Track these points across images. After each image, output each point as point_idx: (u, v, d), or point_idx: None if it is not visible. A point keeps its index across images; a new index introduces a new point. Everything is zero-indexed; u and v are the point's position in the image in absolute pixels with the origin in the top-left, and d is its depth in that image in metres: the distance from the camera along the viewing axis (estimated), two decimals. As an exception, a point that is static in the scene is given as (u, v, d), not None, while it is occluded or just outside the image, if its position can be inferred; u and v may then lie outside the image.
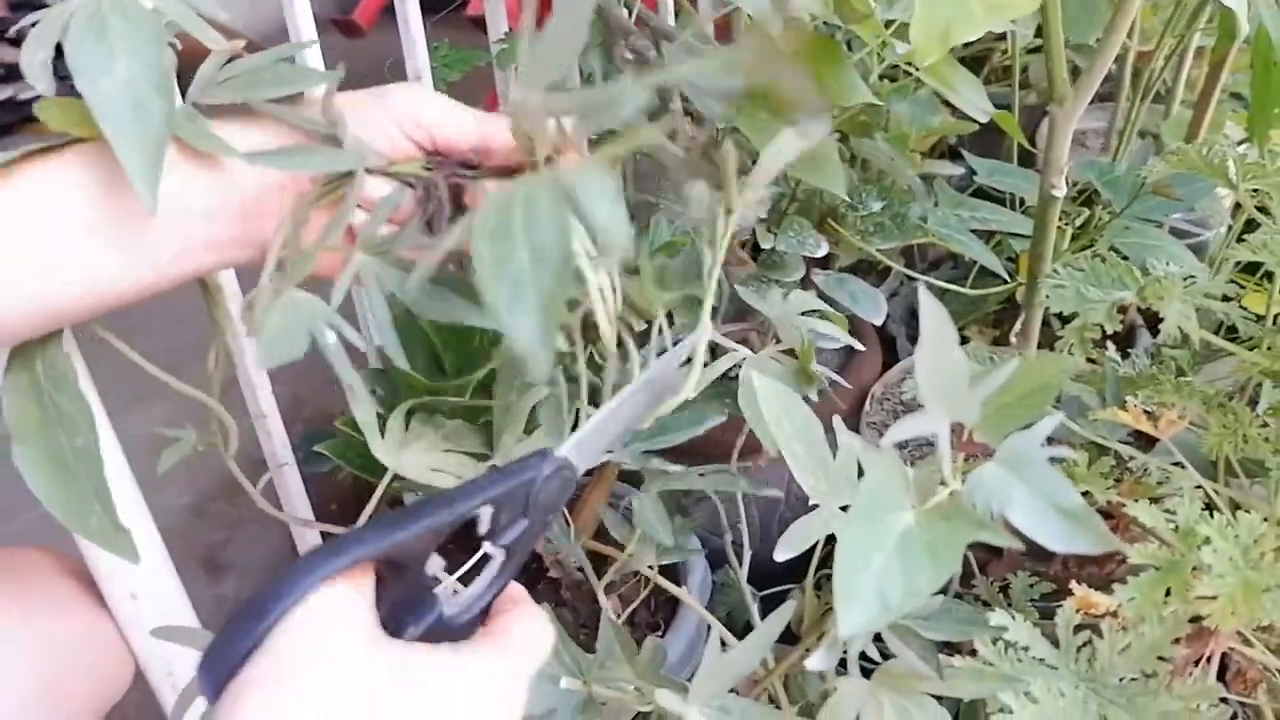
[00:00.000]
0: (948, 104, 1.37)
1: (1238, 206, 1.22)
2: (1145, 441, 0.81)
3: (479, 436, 0.72)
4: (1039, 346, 0.92)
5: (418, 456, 0.66)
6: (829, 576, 0.95)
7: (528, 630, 0.46)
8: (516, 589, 0.48)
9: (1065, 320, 1.20)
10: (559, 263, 0.38)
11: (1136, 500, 0.71)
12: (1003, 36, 1.61)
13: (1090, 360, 0.68)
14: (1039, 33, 1.62)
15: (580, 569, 0.92)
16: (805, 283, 0.99)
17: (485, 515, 0.46)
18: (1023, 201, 1.20)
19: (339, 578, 0.40)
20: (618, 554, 0.84)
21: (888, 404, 1.04)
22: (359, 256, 0.51)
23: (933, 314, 0.40)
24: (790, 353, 0.76)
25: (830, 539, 0.69)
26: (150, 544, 0.70)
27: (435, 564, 0.46)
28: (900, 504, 0.45)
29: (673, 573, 0.95)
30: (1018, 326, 0.89)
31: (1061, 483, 0.43)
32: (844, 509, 0.65)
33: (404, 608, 0.43)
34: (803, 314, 0.79)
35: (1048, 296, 0.65)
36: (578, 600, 0.93)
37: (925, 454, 0.98)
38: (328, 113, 0.51)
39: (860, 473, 0.67)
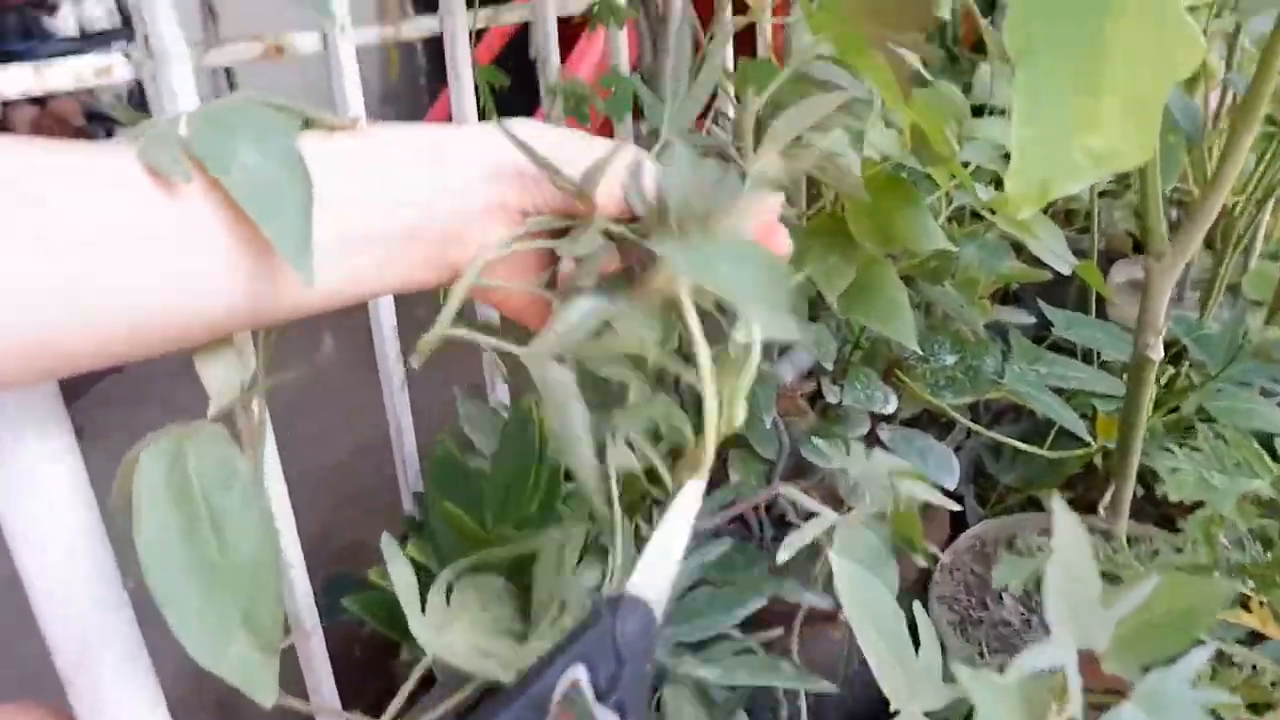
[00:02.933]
0: (1016, 247, 1.33)
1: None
2: (1253, 634, 0.73)
3: (517, 604, 0.65)
4: (1130, 517, 0.84)
5: (463, 637, 0.59)
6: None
7: None
8: None
9: (1150, 488, 1.12)
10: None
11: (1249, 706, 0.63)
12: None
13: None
14: (1115, 179, 1.58)
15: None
16: (869, 438, 0.92)
17: (584, 678, 0.42)
18: (1099, 355, 1.13)
19: None
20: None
21: (957, 576, 0.95)
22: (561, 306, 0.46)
23: (1067, 529, 0.34)
24: (879, 516, 0.69)
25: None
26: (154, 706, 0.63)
27: None
28: (1015, 744, 0.37)
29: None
30: (1107, 498, 0.82)
31: (1218, 735, 0.35)
32: (928, 716, 0.57)
33: None
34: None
35: (1162, 479, 0.58)
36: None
37: (997, 648, 0.90)
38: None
39: (943, 670, 0.60)
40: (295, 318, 0.44)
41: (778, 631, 0.84)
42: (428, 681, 0.98)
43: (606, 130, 1.20)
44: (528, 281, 0.49)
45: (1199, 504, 0.67)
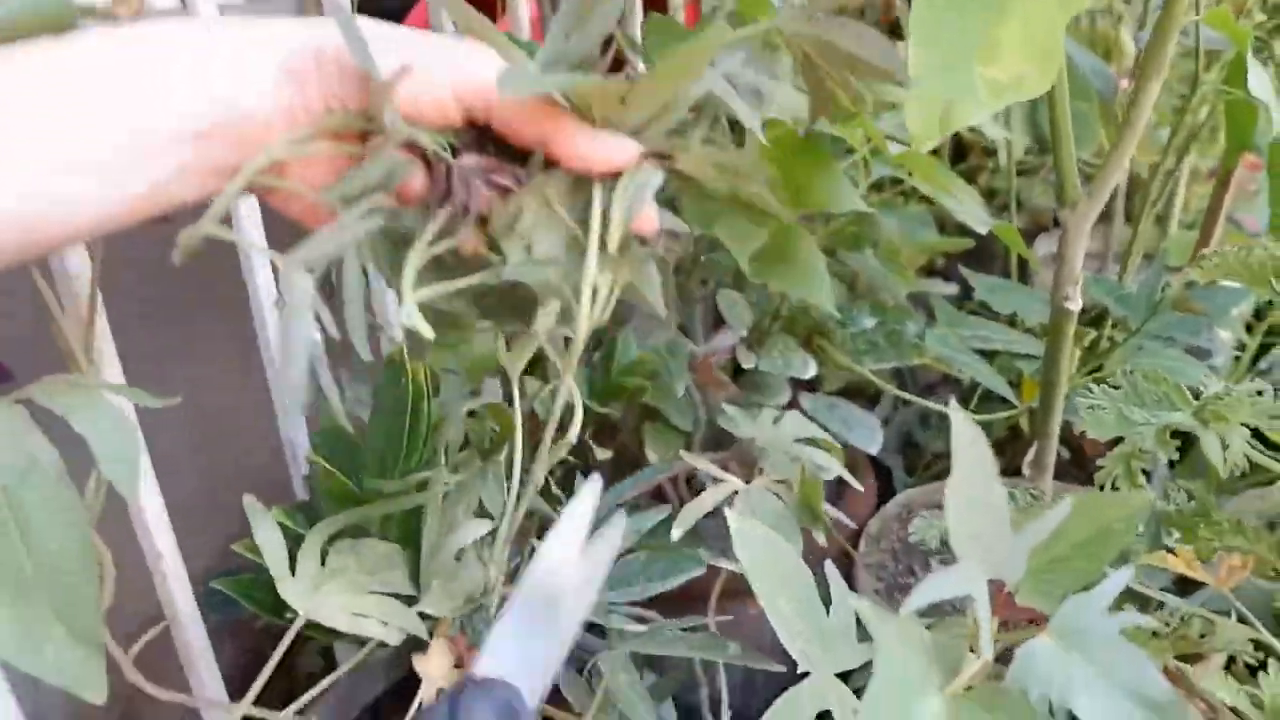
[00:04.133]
0: (940, 227, 1.32)
1: (1251, 324, 1.14)
2: (1182, 587, 0.71)
3: (407, 568, 0.62)
4: (1056, 479, 0.82)
5: (336, 597, 0.55)
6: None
7: None
8: None
9: (1076, 451, 1.11)
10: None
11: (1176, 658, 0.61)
12: (992, 154, 1.56)
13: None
14: (1029, 150, 1.58)
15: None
16: (791, 407, 0.90)
17: None
18: (1023, 324, 1.12)
19: None
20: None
21: (885, 543, 0.93)
22: (345, 215, 0.42)
23: (967, 439, 0.31)
24: (784, 485, 0.66)
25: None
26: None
27: None
28: (924, 687, 0.34)
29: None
30: (1030, 455, 0.80)
31: (1140, 663, 0.32)
32: (841, 677, 0.54)
33: None
34: (797, 440, 0.69)
35: (1082, 418, 0.56)
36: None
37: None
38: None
39: (860, 632, 0.57)
40: (91, 236, 0.40)
41: (703, 619, 0.81)
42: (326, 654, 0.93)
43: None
44: (323, 185, 0.44)
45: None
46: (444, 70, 0.43)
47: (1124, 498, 0.34)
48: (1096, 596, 0.34)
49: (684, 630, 0.68)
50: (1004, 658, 0.37)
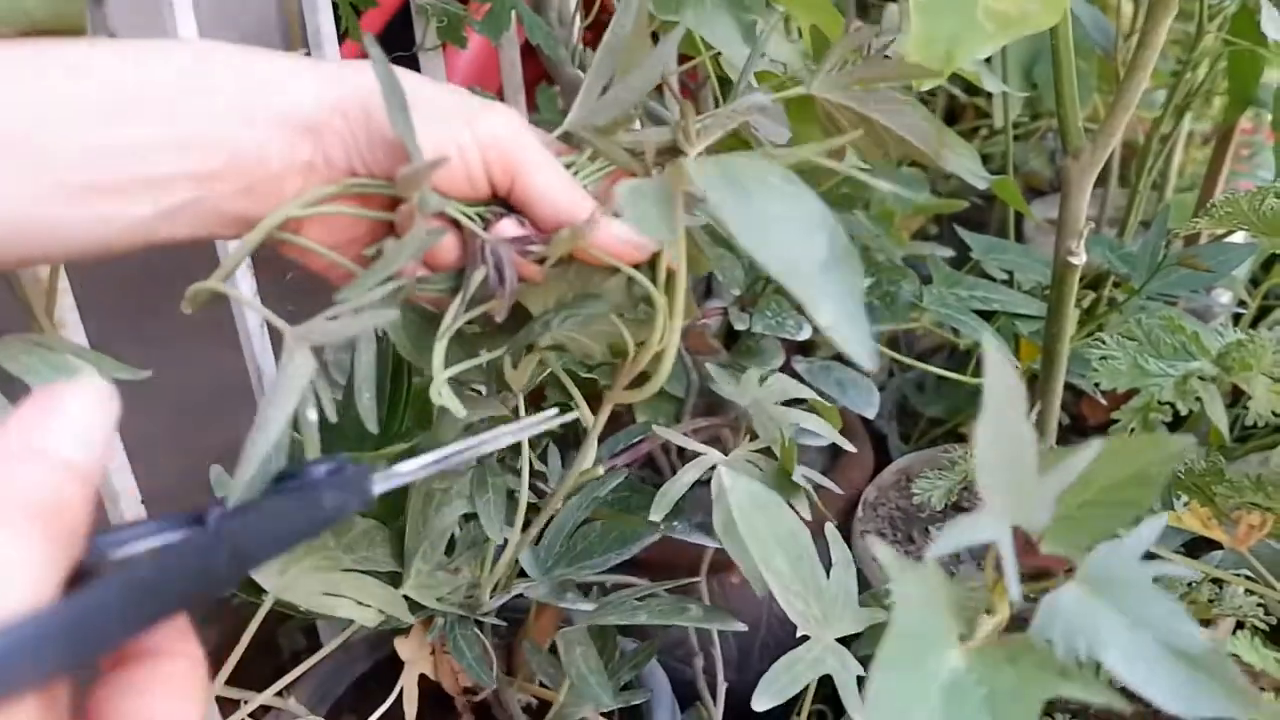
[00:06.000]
0: (934, 192, 1.29)
1: (1248, 288, 1.12)
2: (1189, 551, 0.69)
3: (391, 547, 0.59)
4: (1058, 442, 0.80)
5: (308, 576, 0.52)
6: (821, 714, 0.80)
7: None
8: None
9: (1075, 417, 1.08)
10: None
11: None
12: (986, 115, 1.53)
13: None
14: (1022, 114, 1.56)
15: (526, 709, 0.77)
16: (785, 371, 0.87)
17: None
18: (1020, 287, 1.09)
19: None
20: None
21: (882, 510, 0.91)
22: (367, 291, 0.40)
23: (999, 369, 0.28)
24: (769, 453, 0.64)
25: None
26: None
27: None
28: (943, 640, 0.32)
29: (636, 712, 0.80)
30: (1031, 417, 0.77)
31: (1175, 615, 0.30)
32: (841, 642, 0.52)
33: None
34: (782, 403, 0.66)
35: (1095, 370, 0.53)
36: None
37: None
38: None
39: (860, 594, 0.55)
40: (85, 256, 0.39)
41: (694, 579, 0.79)
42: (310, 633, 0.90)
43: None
44: (347, 248, 0.43)
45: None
46: (472, 140, 0.41)
47: (1161, 438, 0.31)
48: (1129, 543, 0.31)
49: (639, 599, 0.64)
50: (1017, 622, 0.35)
